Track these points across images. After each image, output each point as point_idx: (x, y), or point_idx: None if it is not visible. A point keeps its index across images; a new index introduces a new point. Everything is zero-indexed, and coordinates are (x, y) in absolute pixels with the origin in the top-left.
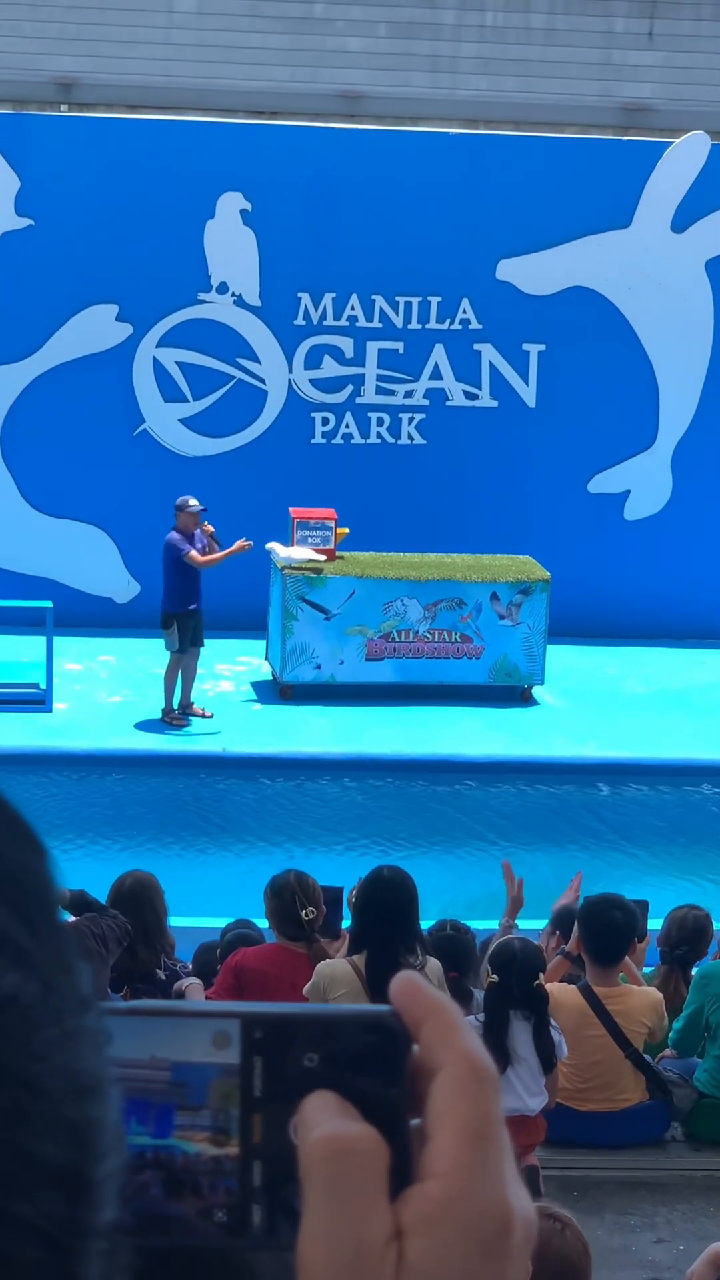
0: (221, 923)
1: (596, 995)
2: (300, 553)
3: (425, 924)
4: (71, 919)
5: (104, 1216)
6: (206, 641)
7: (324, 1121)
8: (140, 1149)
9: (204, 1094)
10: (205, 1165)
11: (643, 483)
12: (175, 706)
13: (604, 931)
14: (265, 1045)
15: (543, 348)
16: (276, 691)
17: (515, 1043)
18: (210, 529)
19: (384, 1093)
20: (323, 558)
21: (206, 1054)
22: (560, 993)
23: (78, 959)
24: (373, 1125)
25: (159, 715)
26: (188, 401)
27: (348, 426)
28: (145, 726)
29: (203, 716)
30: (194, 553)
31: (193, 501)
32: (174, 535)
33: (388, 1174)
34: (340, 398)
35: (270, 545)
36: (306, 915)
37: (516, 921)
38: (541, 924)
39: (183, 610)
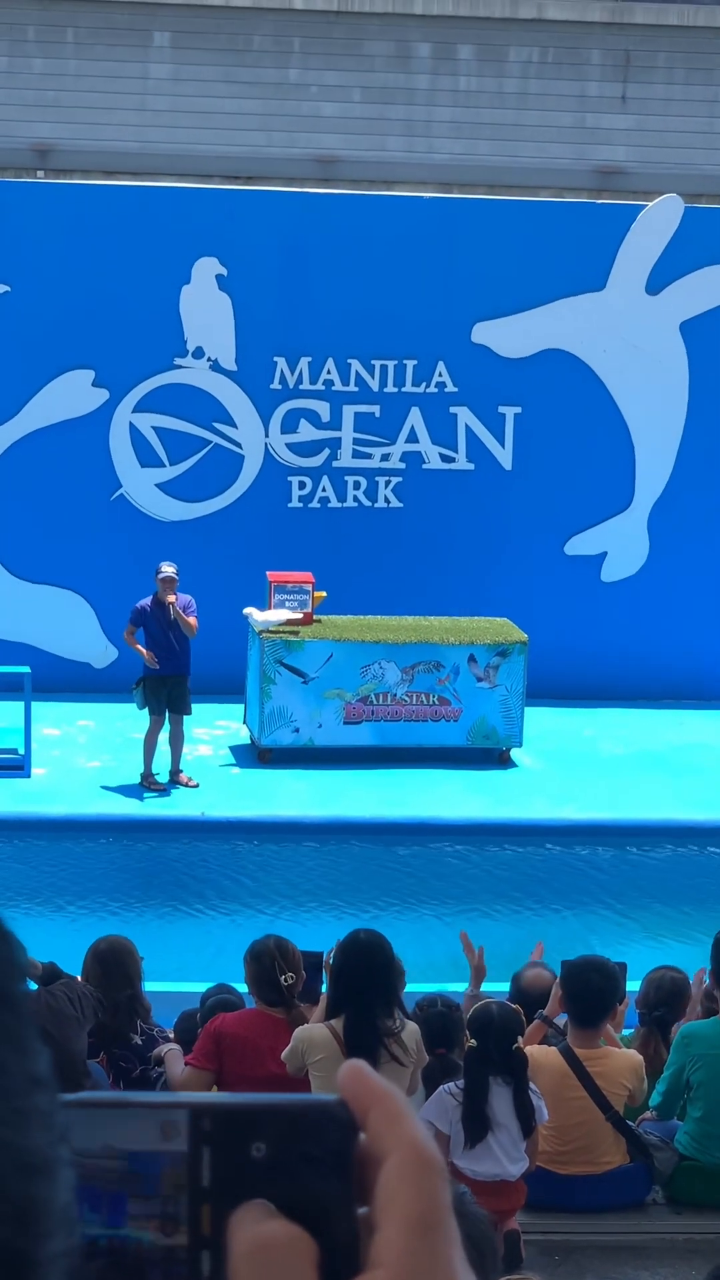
0: (201, 988)
1: (578, 1057)
2: (277, 615)
3: (416, 989)
4: (43, 988)
5: (60, 1231)
6: None
7: (248, 1222)
8: (93, 1237)
9: (156, 1183)
10: (158, 1254)
11: (619, 544)
12: (153, 771)
13: (585, 994)
14: (213, 1136)
15: (519, 410)
16: (255, 755)
17: (495, 1108)
18: (173, 599)
19: (331, 1183)
20: (299, 616)
21: (156, 1143)
22: (541, 1055)
23: (34, 1040)
24: (319, 1216)
25: (138, 780)
26: (164, 466)
27: (324, 490)
28: (124, 791)
29: (188, 785)
30: (128, 631)
31: (165, 568)
32: (142, 602)
33: (315, 1268)
34: (317, 461)
35: (247, 610)
36: (286, 981)
37: (482, 990)
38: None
39: (148, 673)
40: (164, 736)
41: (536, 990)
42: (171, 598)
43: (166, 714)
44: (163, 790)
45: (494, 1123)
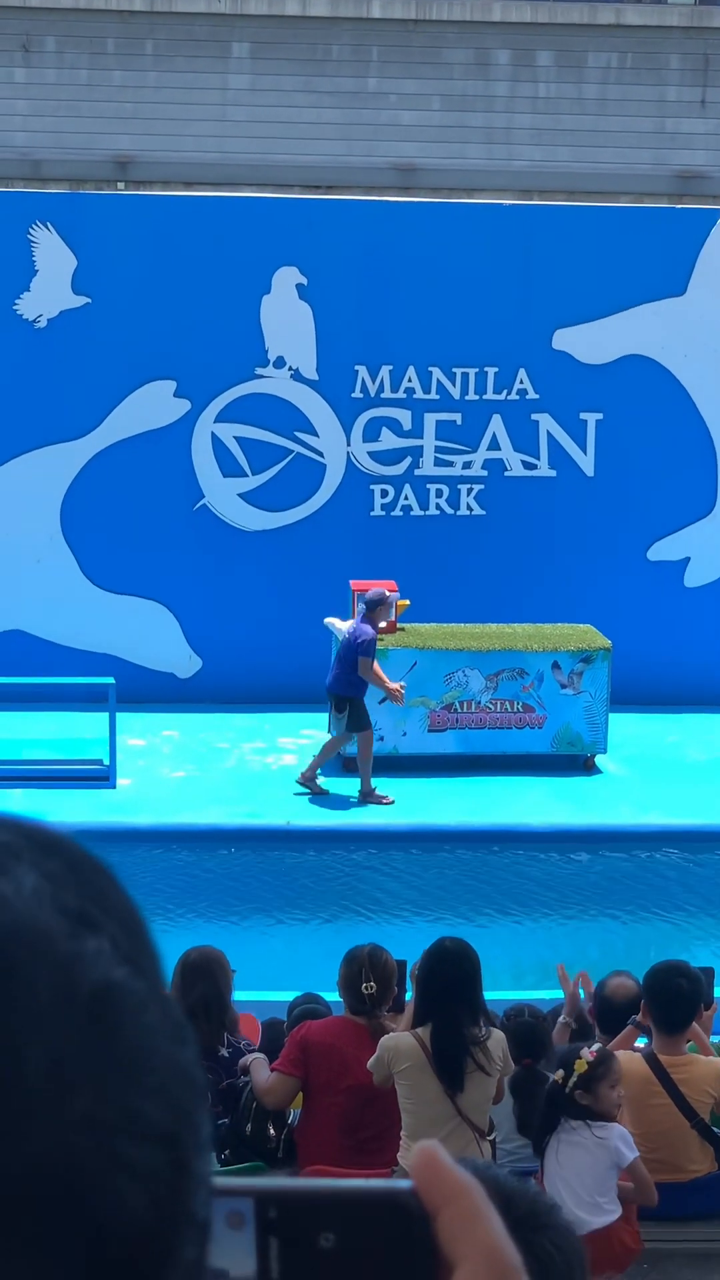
0: (289, 997)
1: (661, 1063)
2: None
3: (495, 996)
4: None
5: (200, 1208)
6: (270, 715)
7: None
8: None
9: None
10: None
11: (702, 550)
12: (365, 785)
13: (669, 999)
14: (280, 1225)
15: (600, 416)
16: (340, 764)
17: (579, 1151)
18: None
19: (402, 1277)
20: (383, 625)
21: (221, 1235)
22: (625, 1060)
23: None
24: None
25: (358, 796)
26: (246, 476)
27: (406, 498)
28: (209, 800)
29: (319, 793)
30: (376, 665)
31: (394, 596)
32: (367, 628)
33: None
34: (399, 470)
35: (328, 620)
36: (366, 989)
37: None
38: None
39: (356, 694)
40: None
41: (620, 999)
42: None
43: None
44: (386, 801)
45: (560, 1165)
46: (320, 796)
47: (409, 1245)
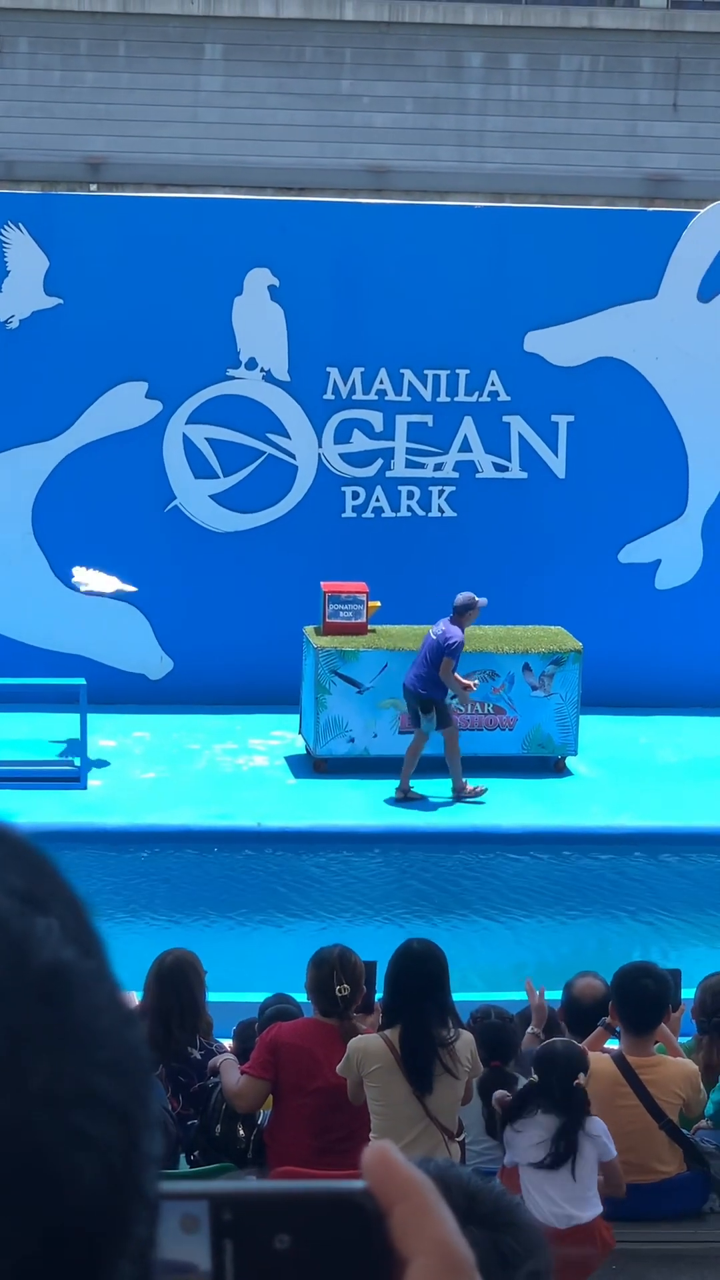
0: (259, 998)
1: (630, 1065)
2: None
3: (464, 998)
4: None
5: (149, 1186)
6: (241, 716)
7: None
8: None
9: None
10: None
11: (673, 552)
12: (460, 782)
13: (637, 1000)
14: (235, 1227)
15: (571, 418)
16: (311, 765)
17: (584, 1149)
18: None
19: (357, 1276)
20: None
21: (175, 1239)
22: (593, 1061)
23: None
24: None
25: (450, 795)
26: (218, 477)
27: (378, 500)
28: (179, 802)
29: (418, 799)
30: (457, 674)
31: (482, 601)
32: (456, 631)
33: None
34: (370, 471)
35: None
36: (340, 991)
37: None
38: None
39: (439, 696)
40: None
41: (588, 999)
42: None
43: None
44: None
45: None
46: (418, 801)
47: (364, 1244)
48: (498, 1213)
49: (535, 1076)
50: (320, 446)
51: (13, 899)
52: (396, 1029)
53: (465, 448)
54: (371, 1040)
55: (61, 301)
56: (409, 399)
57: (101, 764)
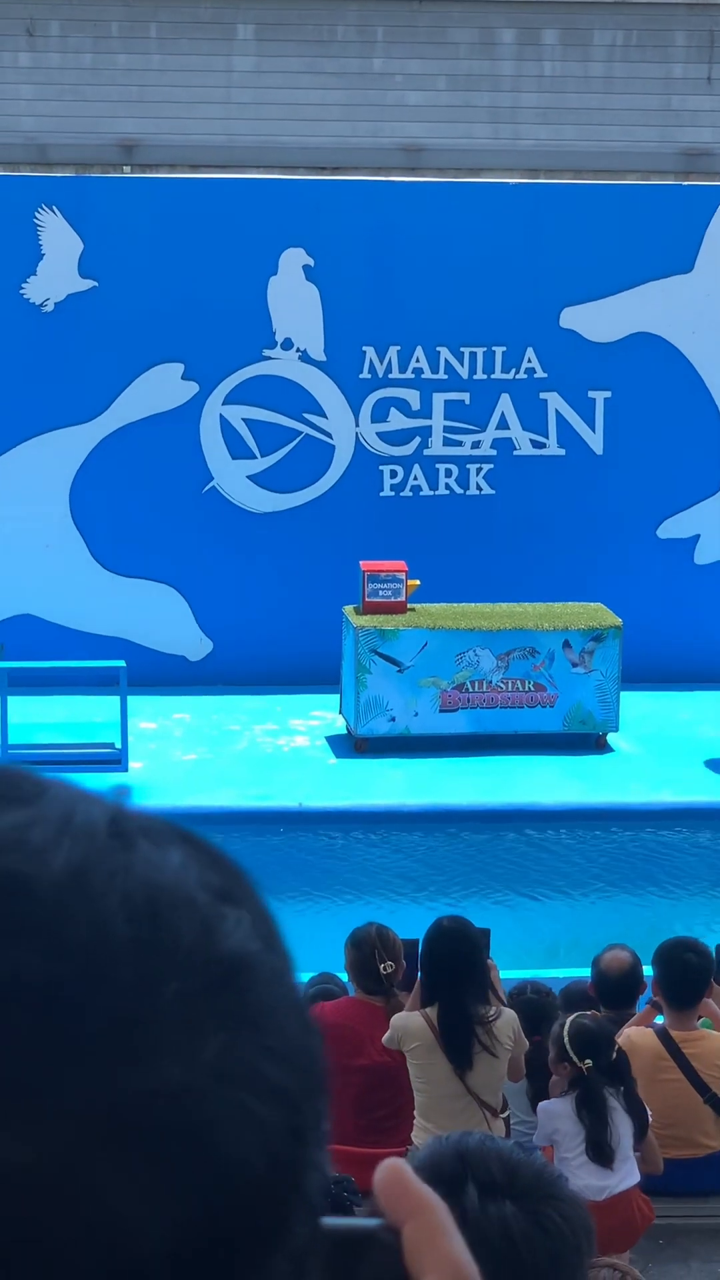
0: (303, 977)
1: (673, 1039)
2: None
3: (506, 975)
4: None
5: (313, 1191)
6: (281, 697)
7: None
8: None
9: None
10: None
11: (712, 527)
12: None
13: (679, 975)
14: None
15: (609, 394)
16: (351, 745)
17: (616, 1124)
18: None
19: None
20: None
21: None
22: (637, 1035)
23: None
24: None
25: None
26: (255, 458)
27: (416, 478)
28: (221, 783)
29: None
30: None
31: None
32: None
33: None
34: (408, 450)
35: None
36: (385, 969)
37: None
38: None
39: None
40: None
41: (615, 972)
42: None
43: None
44: None
45: (617, 1140)
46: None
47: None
48: (539, 1185)
49: (588, 1061)
50: (357, 426)
51: (208, 892)
52: (435, 1007)
53: (503, 425)
54: (412, 1018)
55: (96, 284)
56: (445, 377)
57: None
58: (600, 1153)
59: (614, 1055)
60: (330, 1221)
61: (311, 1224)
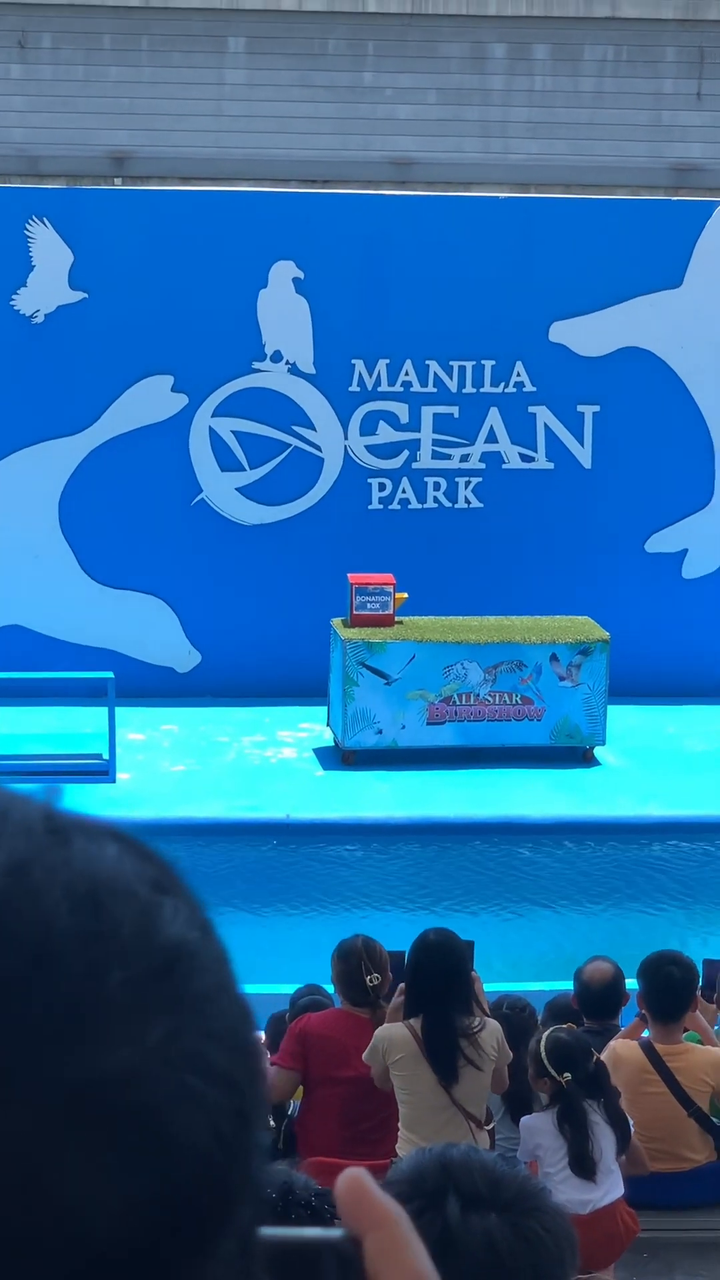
0: (291, 989)
1: (658, 1052)
2: None
3: (490, 988)
4: None
5: (257, 1173)
6: (269, 709)
7: None
8: None
9: None
10: None
11: (700, 541)
12: None
13: (663, 988)
14: None
15: (597, 409)
16: (339, 757)
17: (598, 1137)
18: None
19: None
20: None
21: None
22: (622, 1048)
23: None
24: None
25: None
26: (244, 470)
27: (404, 491)
28: (209, 794)
29: None
30: None
31: None
32: None
33: None
34: (396, 463)
35: None
36: (371, 981)
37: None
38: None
39: None
40: None
41: (597, 984)
42: None
43: None
44: None
45: (599, 1153)
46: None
47: None
48: (523, 1197)
49: (567, 1075)
50: (346, 438)
51: (146, 884)
52: (419, 1018)
53: (491, 438)
54: (396, 1029)
55: (87, 295)
56: (434, 390)
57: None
58: (583, 1165)
59: (592, 1067)
60: (292, 1232)
61: (256, 1204)
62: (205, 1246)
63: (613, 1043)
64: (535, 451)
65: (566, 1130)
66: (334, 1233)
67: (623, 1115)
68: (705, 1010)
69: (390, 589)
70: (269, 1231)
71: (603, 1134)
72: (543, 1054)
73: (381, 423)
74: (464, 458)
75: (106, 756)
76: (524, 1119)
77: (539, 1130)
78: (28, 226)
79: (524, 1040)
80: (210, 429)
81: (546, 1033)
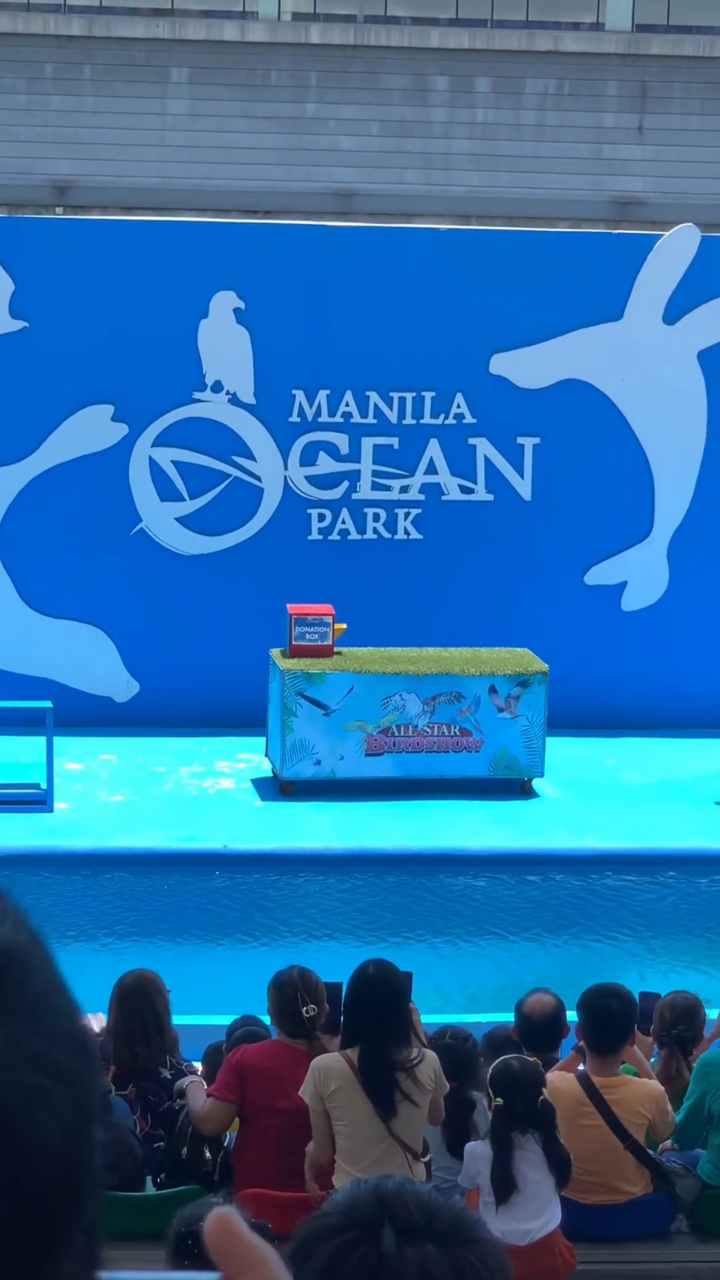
0: (228, 1020)
1: (595, 1085)
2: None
3: (429, 1019)
4: None
5: (99, 1168)
6: (207, 739)
7: None
8: None
9: None
10: None
11: (639, 574)
12: None
13: (602, 1021)
14: None
15: (537, 441)
16: (277, 788)
17: (526, 1165)
18: None
19: None
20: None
21: None
22: (559, 1081)
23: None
24: None
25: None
26: (184, 500)
27: (344, 522)
28: (147, 825)
29: None
30: None
31: None
32: None
33: None
34: (336, 494)
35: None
36: (307, 1012)
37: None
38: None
39: None
40: None
41: (539, 1016)
42: None
43: None
44: None
45: (524, 1179)
46: None
47: None
48: (458, 1229)
49: (499, 1100)
50: (286, 469)
51: None
52: (357, 1049)
53: (431, 470)
54: (333, 1059)
55: (27, 324)
56: (375, 421)
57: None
58: (499, 1187)
59: (538, 1101)
60: (167, 1277)
61: (99, 1202)
62: (59, 1244)
63: (549, 1075)
64: (475, 483)
65: (491, 1151)
66: (210, 1276)
67: (563, 1156)
68: (641, 1043)
69: (329, 620)
70: (146, 1277)
71: (533, 1166)
72: (489, 1078)
73: (322, 453)
74: (404, 489)
75: (44, 786)
76: (469, 1144)
77: (479, 1157)
78: None
79: (466, 1070)
80: (150, 459)
81: (502, 1058)
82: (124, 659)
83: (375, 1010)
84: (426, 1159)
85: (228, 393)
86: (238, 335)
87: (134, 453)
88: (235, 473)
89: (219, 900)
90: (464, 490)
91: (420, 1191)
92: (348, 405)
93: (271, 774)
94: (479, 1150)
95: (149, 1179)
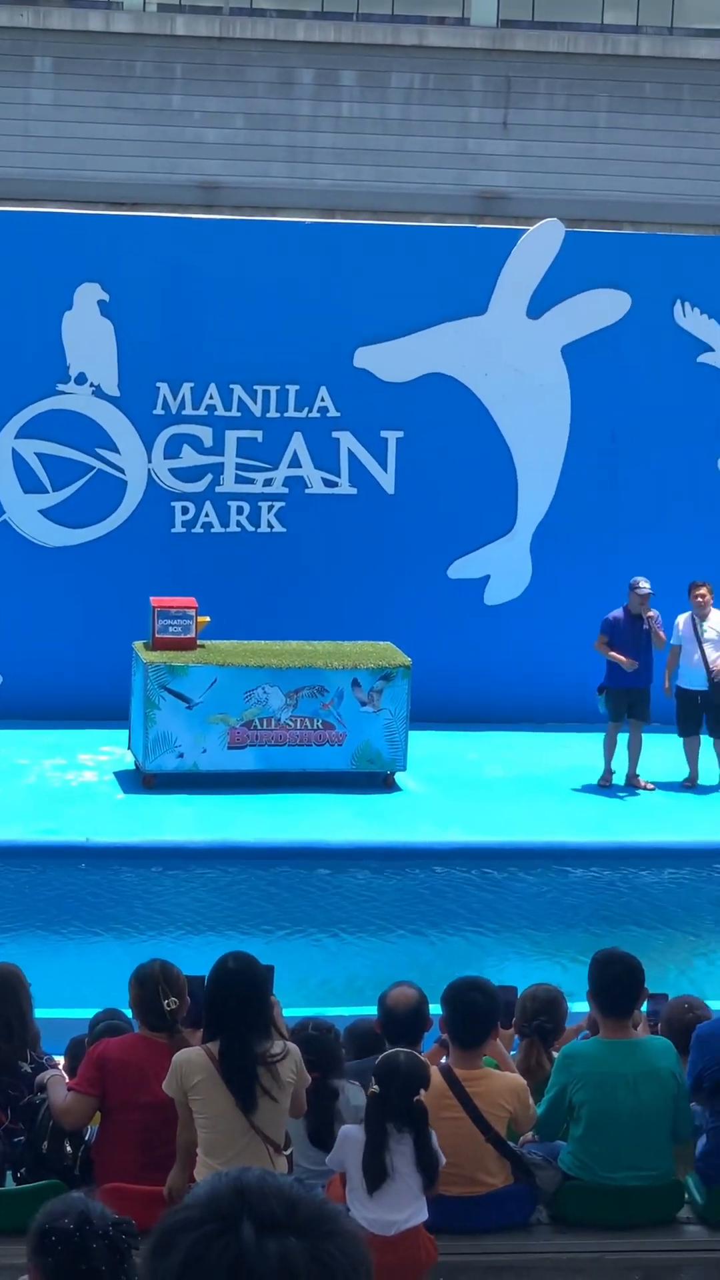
0: (89, 1013)
1: (457, 1077)
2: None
3: (292, 1012)
4: None
5: None
6: (68, 732)
7: None
8: None
9: None
10: None
11: (502, 568)
12: (611, 769)
13: (465, 1014)
14: None
15: (401, 434)
16: (140, 781)
17: (396, 1157)
18: (654, 615)
19: None
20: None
21: None
22: None
23: None
24: None
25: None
26: (47, 492)
27: (207, 515)
28: (8, 817)
29: (645, 789)
30: (600, 641)
31: (642, 583)
32: (614, 613)
33: None
34: (200, 487)
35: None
36: (169, 1006)
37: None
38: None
39: (612, 685)
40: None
41: (402, 1009)
42: (650, 613)
43: (626, 720)
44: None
45: (394, 1171)
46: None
47: None
48: (319, 1221)
49: (376, 1088)
50: (150, 462)
51: None
52: (218, 1042)
53: (295, 463)
54: (194, 1053)
55: None
56: (239, 414)
57: None
58: (368, 1172)
59: (413, 1097)
60: None
61: None
62: None
63: None
64: (339, 477)
65: (364, 1136)
66: None
67: (432, 1160)
68: (501, 1036)
69: (192, 612)
70: None
71: (403, 1160)
72: (375, 1066)
73: (185, 446)
74: (267, 482)
75: None
76: (344, 1127)
77: (353, 1140)
78: None
79: (329, 1061)
80: (13, 450)
81: (395, 1049)
82: None
83: (235, 1003)
84: (288, 1152)
85: (91, 385)
86: (102, 327)
87: None
88: (99, 465)
89: (81, 893)
90: (327, 484)
91: (281, 1184)
92: (212, 398)
93: (134, 767)
94: (353, 1133)
95: (9, 1174)
